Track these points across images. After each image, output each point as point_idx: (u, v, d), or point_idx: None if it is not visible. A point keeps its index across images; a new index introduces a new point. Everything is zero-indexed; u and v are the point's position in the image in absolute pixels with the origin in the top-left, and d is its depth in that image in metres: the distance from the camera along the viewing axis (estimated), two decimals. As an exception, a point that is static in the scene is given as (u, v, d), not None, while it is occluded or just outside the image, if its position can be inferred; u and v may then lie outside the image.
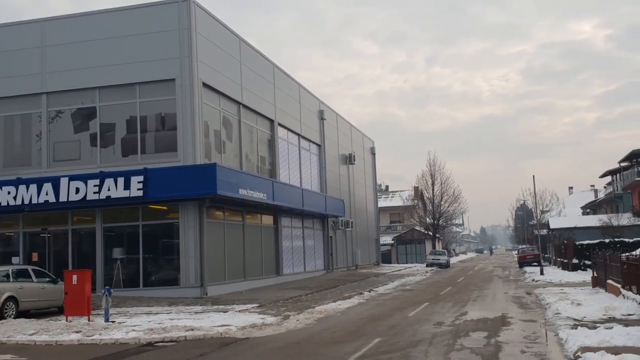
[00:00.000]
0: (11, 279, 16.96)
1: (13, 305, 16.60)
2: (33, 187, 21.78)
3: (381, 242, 58.59)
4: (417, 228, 64.75)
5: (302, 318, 15.70)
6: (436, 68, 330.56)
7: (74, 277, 15.55)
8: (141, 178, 21.12)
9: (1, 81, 23.77)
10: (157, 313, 17.00)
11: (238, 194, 23.13)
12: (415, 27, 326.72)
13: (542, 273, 32.35)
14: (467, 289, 25.92)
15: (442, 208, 59.86)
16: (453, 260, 67.23)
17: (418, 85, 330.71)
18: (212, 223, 23.19)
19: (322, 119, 38.69)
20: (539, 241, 45.45)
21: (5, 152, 24.27)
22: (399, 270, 44.58)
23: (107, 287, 15.86)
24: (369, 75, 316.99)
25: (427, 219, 61.47)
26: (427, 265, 50.53)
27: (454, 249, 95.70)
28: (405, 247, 67.62)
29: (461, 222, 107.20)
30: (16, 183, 22.03)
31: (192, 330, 13.22)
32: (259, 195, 24.97)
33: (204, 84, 22.99)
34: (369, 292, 24.32)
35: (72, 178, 21.57)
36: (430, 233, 61.35)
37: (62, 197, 21.49)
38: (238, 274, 25.27)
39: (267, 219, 29.47)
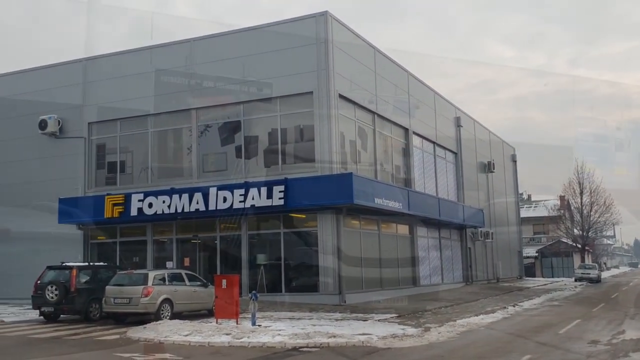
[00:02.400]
0: (167, 282, 18.20)
1: (168, 307, 17.73)
2: (185, 197, 23.34)
3: (524, 255, 55.54)
4: (564, 240, 60.51)
5: (444, 331, 15.22)
6: (580, 70, 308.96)
7: (224, 281, 16.28)
8: (282, 188, 21.85)
9: (157, 98, 25.78)
10: (299, 318, 17.43)
11: (373, 203, 23.11)
12: (555, 29, 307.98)
13: None
14: (623, 305, 23.69)
15: (591, 219, 55.40)
16: (604, 274, 61.90)
17: (560, 88, 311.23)
18: (349, 232, 23.38)
19: (458, 126, 37.58)
20: None
21: (160, 164, 26.34)
22: (545, 284, 41.91)
23: (253, 291, 16.44)
24: (505, 80, 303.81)
25: (575, 231, 57.26)
26: (575, 280, 47.09)
27: (604, 263, 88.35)
28: (551, 260, 63.53)
29: (613, 234, 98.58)
30: (170, 193, 23.80)
31: (334, 337, 13.34)
32: (394, 205, 24.75)
33: (340, 96, 23.30)
34: (514, 306, 23.06)
35: (220, 188, 22.85)
36: (579, 245, 57.06)
37: (211, 206, 22.82)
38: (375, 282, 25.20)
39: (403, 229, 29.11)
